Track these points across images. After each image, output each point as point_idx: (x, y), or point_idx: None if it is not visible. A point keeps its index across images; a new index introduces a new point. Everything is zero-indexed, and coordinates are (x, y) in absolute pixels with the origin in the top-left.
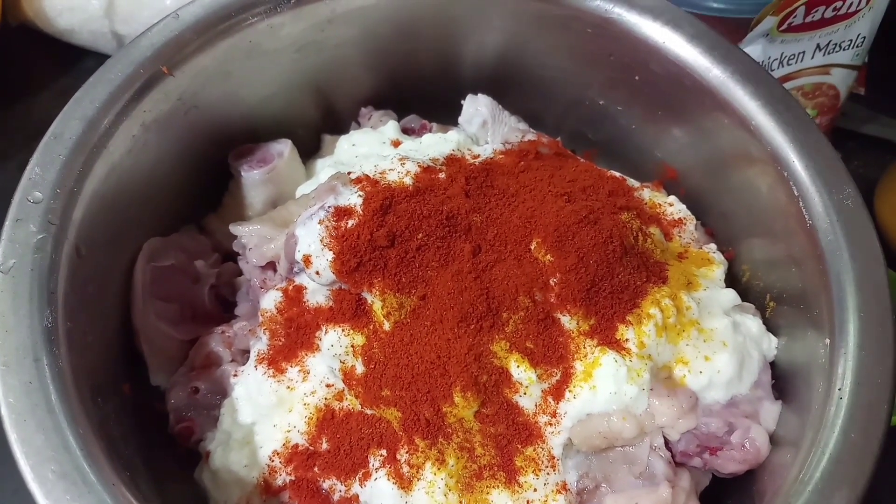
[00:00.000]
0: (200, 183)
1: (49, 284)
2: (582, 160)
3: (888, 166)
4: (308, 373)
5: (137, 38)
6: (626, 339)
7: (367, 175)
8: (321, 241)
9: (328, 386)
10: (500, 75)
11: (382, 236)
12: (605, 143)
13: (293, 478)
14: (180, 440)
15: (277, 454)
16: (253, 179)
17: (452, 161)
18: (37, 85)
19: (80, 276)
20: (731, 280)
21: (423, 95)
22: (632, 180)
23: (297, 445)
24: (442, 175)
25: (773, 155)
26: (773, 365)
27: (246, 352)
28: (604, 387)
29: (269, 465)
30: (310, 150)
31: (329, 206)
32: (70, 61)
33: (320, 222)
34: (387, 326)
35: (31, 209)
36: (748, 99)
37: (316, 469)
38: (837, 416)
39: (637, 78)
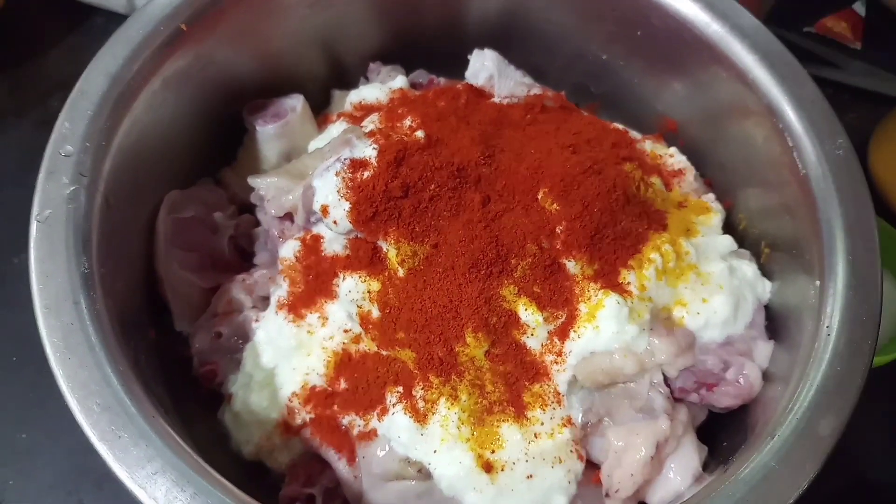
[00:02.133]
0: (216, 137)
1: (83, 233)
2: (585, 113)
3: (882, 119)
4: (327, 319)
5: None
6: (628, 283)
7: (381, 128)
8: (338, 191)
9: (346, 331)
10: (504, 30)
11: (397, 187)
12: (608, 96)
13: (313, 415)
14: (204, 382)
15: (296, 395)
16: (267, 134)
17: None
18: (47, 43)
19: (110, 225)
20: (728, 228)
21: (430, 51)
22: (634, 132)
23: (315, 387)
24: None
25: (768, 107)
26: (766, 307)
27: (266, 298)
28: (606, 327)
29: (288, 406)
30: (320, 105)
31: (345, 159)
32: (79, 19)
33: (337, 174)
34: (401, 273)
35: (63, 162)
36: (745, 53)
37: (335, 407)
38: (825, 351)
39: (638, 33)
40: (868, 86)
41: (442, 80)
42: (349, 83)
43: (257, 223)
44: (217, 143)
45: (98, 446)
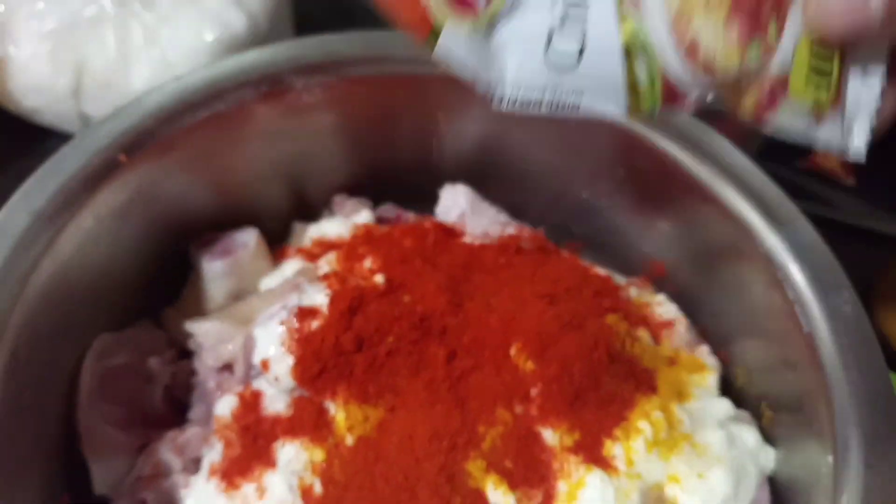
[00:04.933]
0: (159, 274)
1: None
2: (566, 255)
3: (885, 262)
4: (265, 490)
5: (95, 126)
6: (614, 456)
7: (336, 271)
8: (282, 343)
9: None
10: (480, 165)
11: (349, 340)
12: (590, 236)
13: None
14: None
15: None
16: (214, 271)
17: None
18: None
19: (17, 382)
20: (725, 384)
21: (399, 184)
22: (618, 277)
23: None
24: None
25: (765, 254)
26: (771, 479)
27: (198, 460)
28: None
29: None
30: (279, 237)
31: (292, 306)
32: (33, 142)
33: (281, 323)
34: (349, 441)
35: None
36: (737, 195)
37: None
38: None
39: (621, 170)
40: (865, 224)
41: (411, 216)
42: (312, 215)
43: (195, 372)
44: (160, 281)
45: None
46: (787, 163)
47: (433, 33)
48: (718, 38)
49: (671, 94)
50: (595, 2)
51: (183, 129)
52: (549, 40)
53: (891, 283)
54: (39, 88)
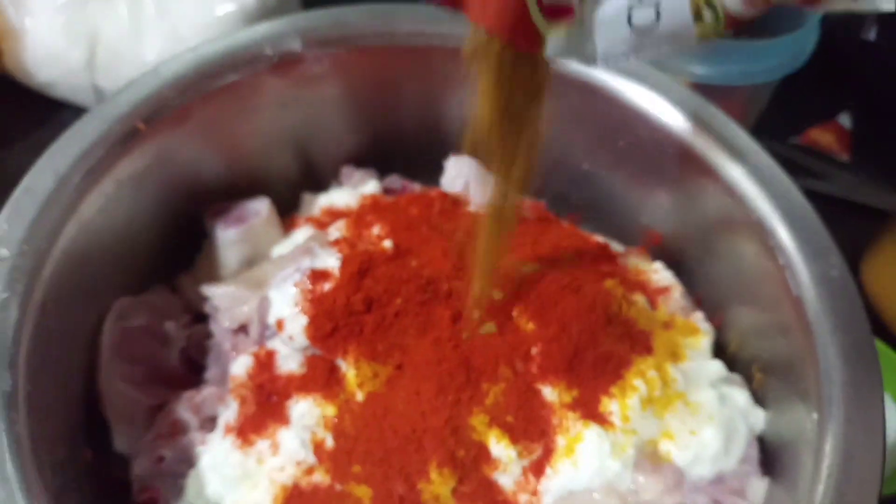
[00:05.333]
0: (174, 241)
1: (11, 346)
2: (565, 224)
3: (874, 234)
4: (278, 447)
5: (115, 94)
6: (610, 412)
7: (346, 237)
8: (295, 304)
9: (298, 463)
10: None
11: (359, 301)
12: (589, 206)
13: None
14: None
15: None
16: (228, 238)
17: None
18: (11, 138)
19: (45, 337)
20: (718, 348)
21: (405, 155)
22: (616, 245)
23: None
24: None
25: (758, 222)
26: (760, 439)
27: (214, 419)
28: (586, 462)
29: None
30: (289, 207)
31: (305, 269)
32: (46, 114)
33: (295, 285)
34: (359, 397)
35: None
36: (733, 166)
37: None
38: (825, 494)
39: (621, 142)
40: (857, 198)
41: (417, 186)
42: (320, 186)
43: (211, 335)
44: (175, 248)
45: None
46: (783, 139)
47: (544, 44)
48: None
49: (733, 23)
50: None
51: (198, 98)
52: (630, 14)
53: (878, 254)
54: (53, 61)
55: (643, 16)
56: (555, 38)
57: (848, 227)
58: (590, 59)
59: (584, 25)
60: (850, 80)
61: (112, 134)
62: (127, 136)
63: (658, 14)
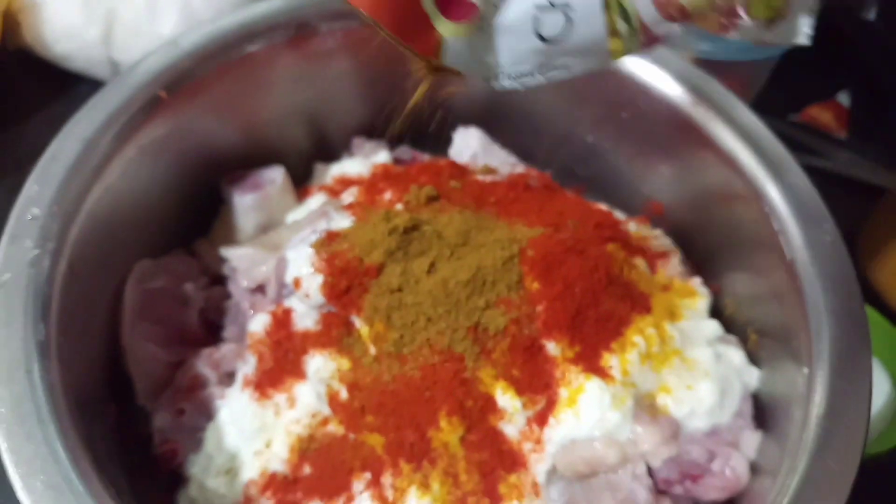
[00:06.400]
0: (192, 207)
1: (44, 300)
2: (570, 194)
3: (871, 209)
4: (295, 400)
5: (136, 64)
6: (611, 367)
7: (359, 202)
8: (312, 264)
9: (314, 415)
10: (491, 109)
11: (373, 260)
12: (594, 178)
13: (273, 502)
14: (163, 463)
15: (254, 483)
16: (244, 204)
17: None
18: (29, 110)
19: (73, 294)
20: (715, 313)
21: (414, 126)
22: (618, 213)
23: (275, 473)
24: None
25: (755, 191)
26: (754, 397)
27: (233, 375)
28: (588, 413)
29: (245, 494)
30: (302, 178)
31: (321, 230)
32: (63, 87)
33: (311, 245)
34: (373, 351)
35: (28, 226)
36: (732, 137)
37: (299, 493)
38: (814, 441)
39: (624, 115)
40: (855, 175)
41: (426, 157)
42: (332, 157)
43: (229, 296)
44: (192, 214)
45: None
46: (782, 116)
47: (439, 45)
48: None
49: (650, 38)
50: None
51: (217, 69)
52: (537, 20)
53: (874, 228)
54: (71, 34)
55: (551, 22)
56: (453, 41)
57: (845, 202)
58: (490, 75)
59: (485, 31)
60: (849, 60)
61: (135, 102)
62: (149, 105)
63: (568, 19)
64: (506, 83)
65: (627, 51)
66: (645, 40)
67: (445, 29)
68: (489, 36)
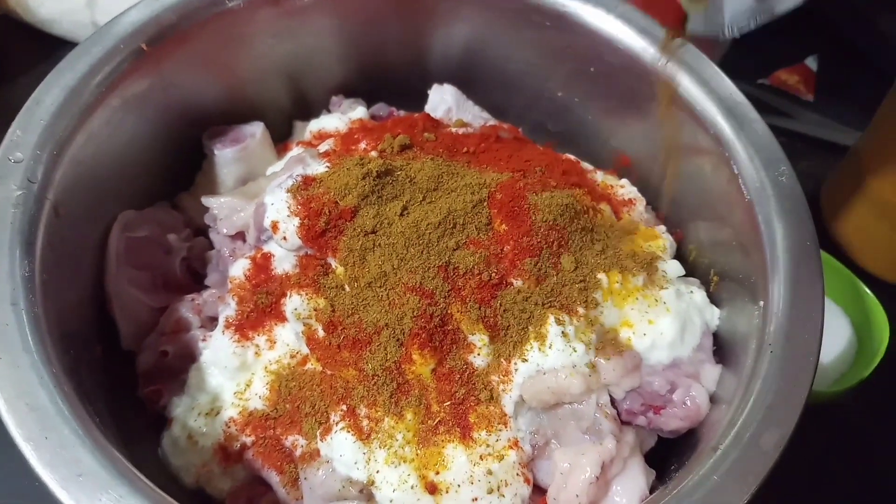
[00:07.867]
0: (174, 162)
1: (27, 237)
2: (539, 147)
3: (834, 166)
4: (275, 342)
5: (118, 16)
6: (575, 302)
7: (335, 149)
8: (288, 207)
9: (293, 355)
10: (465, 67)
11: (348, 203)
12: (565, 134)
13: (253, 438)
14: (148, 404)
15: (234, 421)
16: (225, 157)
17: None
18: (15, 72)
19: (58, 234)
20: (679, 259)
21: (391, 85)
22: (586, 164)
23: (254, 411)
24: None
25: (716, 139)
26: (715, 335)
27: (215, 319)
28: (553, 346)
29: (225, 432)
30: (282, 136)
31: (297, 175)
32: (49, 51)
33: (288, 190)
34: (348, 290)
35: (12, 168)
36: (693, 86)
37: (278, 429)
38: (767, 367)
39: (593, 69)
40: (820, 135)
41: (402, 113)
42: (311, 114)
43: (211, 246)
44: (175, 168)
45: (22, 446)
46: (750, 79)
47: (685, 18)
48: None
49: None
50: None
51: (198, 23)
52: None
53: (835, 183)
54: None
55: None
56: (694, 16)
57: (810, 160)
58: (719, 31)
59: (716, 3)
60: (819, 24)
61: (117, 53)
62: (131, 56)
63: None
64: (727, 33)
65: None
66: None
67: (694, 8)
68: (719, 5)
